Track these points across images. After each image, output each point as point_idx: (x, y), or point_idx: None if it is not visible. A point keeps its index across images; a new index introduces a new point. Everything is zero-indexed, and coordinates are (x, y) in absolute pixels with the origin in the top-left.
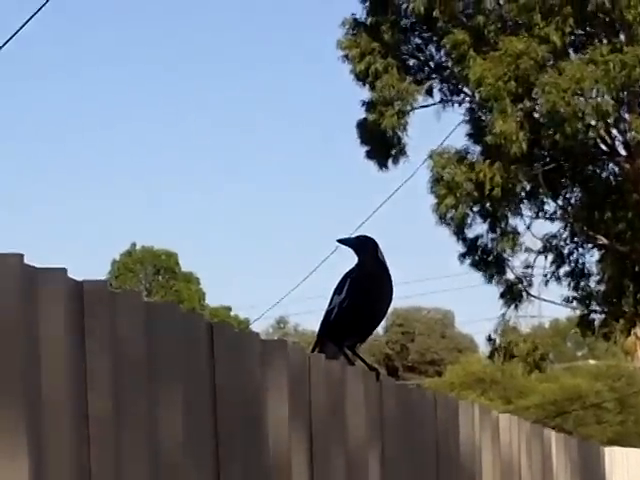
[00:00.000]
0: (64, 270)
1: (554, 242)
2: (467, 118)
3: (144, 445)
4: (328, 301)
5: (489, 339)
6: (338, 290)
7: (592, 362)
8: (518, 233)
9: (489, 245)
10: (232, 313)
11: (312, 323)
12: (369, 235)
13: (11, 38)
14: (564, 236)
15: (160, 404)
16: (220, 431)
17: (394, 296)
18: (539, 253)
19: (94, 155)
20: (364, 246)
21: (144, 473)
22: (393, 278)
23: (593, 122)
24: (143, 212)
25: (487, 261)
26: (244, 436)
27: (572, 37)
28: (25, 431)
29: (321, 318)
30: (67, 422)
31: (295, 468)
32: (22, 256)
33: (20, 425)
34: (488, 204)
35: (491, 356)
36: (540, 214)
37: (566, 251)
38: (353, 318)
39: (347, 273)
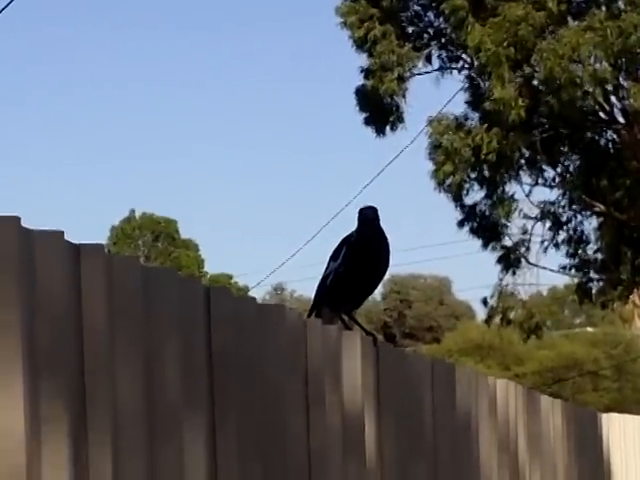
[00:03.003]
0: (61, 233)
1: (552, 209)
2: (466, 85)
3: (141, 410)
4: (325, 267)
5: (484, 302)
6: (335, 256)
7: (590, 329)
8: (514, 199)
9: (487, 212)
10: (233, 280)
11: (309, 290)
12: (370, 204)
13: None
14: (562, 203)
15: (157, 368)
16: (216, 395)
17: (391, 263)
18: (537, 220)
19: (95, 119)
20: (364, 213)
21: (142, 437)
22: (390, 245)
23: (591, 89)
24: (143, 178)
25: (485, 227)
26: (241, 400)
27: (570, 4)
28: (22, 391)
29: (317, 283)
30: (64, 382)
31: (291, 432)
32: (19, 219)
33: (18, 388)
34: (485, 170)
35: (487, 321)
36: (539, 181)
37: (564, 218)
38: (349, 284)
39: (344, 239)
